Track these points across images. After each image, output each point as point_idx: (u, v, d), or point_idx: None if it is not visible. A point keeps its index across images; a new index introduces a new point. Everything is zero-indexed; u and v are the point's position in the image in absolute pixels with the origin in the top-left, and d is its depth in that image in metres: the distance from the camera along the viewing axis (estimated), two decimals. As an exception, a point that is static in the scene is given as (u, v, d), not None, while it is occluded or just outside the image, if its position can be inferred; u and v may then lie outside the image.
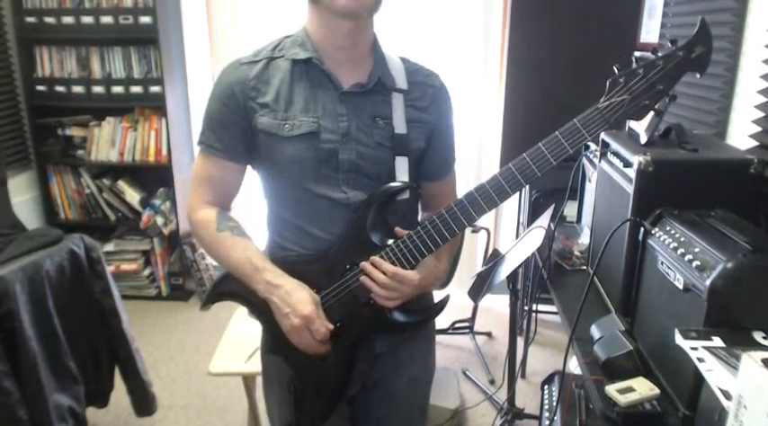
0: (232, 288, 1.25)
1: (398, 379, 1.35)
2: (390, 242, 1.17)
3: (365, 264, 1.16)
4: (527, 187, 3.01)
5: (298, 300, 1.14)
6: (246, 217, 1.29)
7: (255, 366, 2.04)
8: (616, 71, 1.06)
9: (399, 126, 1.20)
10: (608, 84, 1.05)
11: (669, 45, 1.06)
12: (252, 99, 1.18)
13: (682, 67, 1.04)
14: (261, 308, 1.21)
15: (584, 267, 1.80)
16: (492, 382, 2.84)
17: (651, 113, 1.40)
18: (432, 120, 1.26)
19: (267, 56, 1.21)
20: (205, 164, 1.24)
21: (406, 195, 1.22)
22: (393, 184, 1.19)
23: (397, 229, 1.17)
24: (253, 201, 1.32)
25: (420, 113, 1.24)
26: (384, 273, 1.14)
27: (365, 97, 1.19)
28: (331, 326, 1.16)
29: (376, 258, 1.16)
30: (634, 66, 1.06)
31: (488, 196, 1.11)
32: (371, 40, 1.23)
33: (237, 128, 1.19)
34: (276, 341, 1.24)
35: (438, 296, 1.33)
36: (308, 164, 1.17)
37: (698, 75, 1.07)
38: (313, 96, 1.18)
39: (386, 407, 1.37)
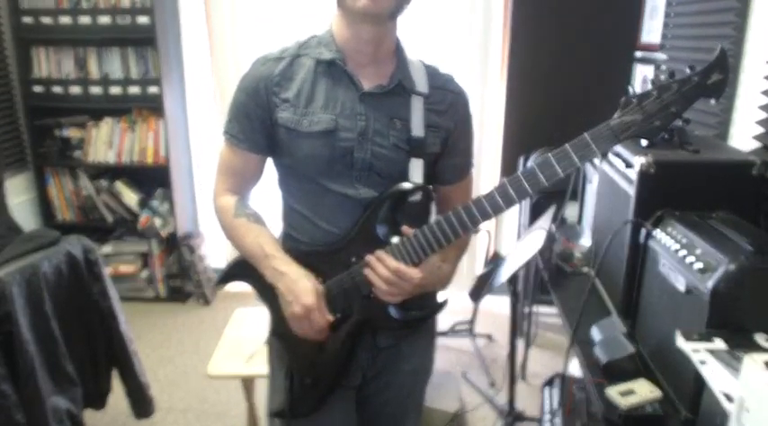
0: (243, 270, 1.31)
1: (399, 370, 1.38)
2: (395, 239, 1.19)
3: (370, 257, 1.19)
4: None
5: (302, 290, 1.18)
6: (263, 207, 1.35)
7: (254, 368, 2.04)
8: (630, 91, 1.07)
9: (417, 129, 1.22)
10: (621, 102, 1.07)
11: (687, 70, 1.08)
12: (275, 94, 1.22)
13: (696, 92, 1.05)
14: (268, 292, 1.27)
15: (585, 269, 1.80)
16: (492, 385, 2.83)
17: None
18: (448, 125, 1.27)
19: (293, 53, 1.24)
20: (228, 153, 1.30)
21: (418, 196, 1.24)
22: (407, 184, 1.22)
23: (404, 228, 1.19)
24: (270, 192, 1.36)
25: (438, 118, 1.26)
26: (387, 268, 1.16)
27: (385, 98, 1.22)
28: (331, 318, 1.21)
29: (381, 252, 1.18)
30: (649, 87, 1.07)
31: (495, 202, 1.13)
32: (394, 45, 1.25)
33: (259, 121, 1.24)
34: (278, 325, 1.29)
35: (441, 295, 1.35)
36: (323, 160, 1.21)
37: (712, 101, 1.09)
38: (333, 94, 1.21)
39: (385, 397, 1.40)
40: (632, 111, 1.06)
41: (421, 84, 1.25)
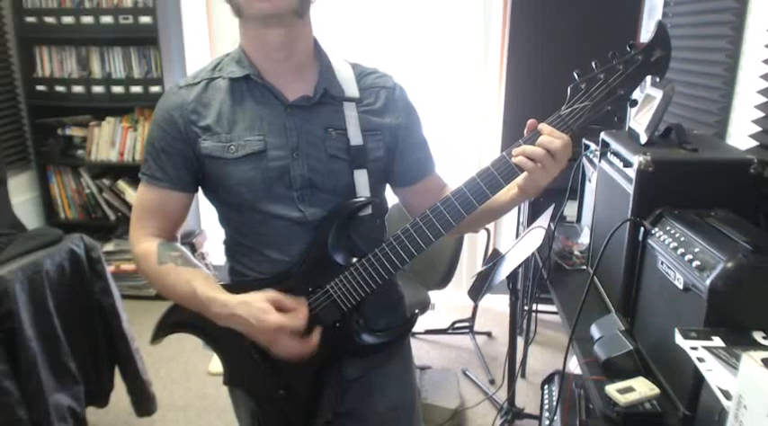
0: (183, 318, 1.19)
1: (375, 409, 1.28)
2: (355, 260, 1.12)
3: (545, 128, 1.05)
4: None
5: (257, 314, 1.05)
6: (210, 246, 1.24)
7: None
8: (576, 77, 1.05)
9: (355, 137, 1.14)
10: (569, 90, 1.04)
11: (628, 49, 1.06)
12: (193, 123, 1.12)
13: (642, 71, 1.04)
14: (215, 338, 1.17)
15: (584, 267, 1.80)
16: (492, 382, 2.84)
17: (651, 112, 1.42)
18: (390, 123, 1.18)
19: (206, 77, 1.15)
20: (147, 194, 1.17)
21: (368, 211, 1.16)
22: (353, 200, 1.13)
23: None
24: (214, 228, 1.26)
25: (376, 119, 1.17)
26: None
27: (314, 109, 1.13)
28: (302, 306, 1.10)
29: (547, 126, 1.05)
30: (595, 71, 1.05)
31: (454, 208, 1.08)
32: (311, 47, 1.15)
33: (180, 155, 1.13)
34: (234, 374, 1.21)
35: (409, 311, 1.29)
36: (258, 185, 1.11)
37: (657, 79, 1.08)
38: (258, 114, 1.12)
39: None
40: (581, 99, 1.04)
41: (350, 87, 1.16)
